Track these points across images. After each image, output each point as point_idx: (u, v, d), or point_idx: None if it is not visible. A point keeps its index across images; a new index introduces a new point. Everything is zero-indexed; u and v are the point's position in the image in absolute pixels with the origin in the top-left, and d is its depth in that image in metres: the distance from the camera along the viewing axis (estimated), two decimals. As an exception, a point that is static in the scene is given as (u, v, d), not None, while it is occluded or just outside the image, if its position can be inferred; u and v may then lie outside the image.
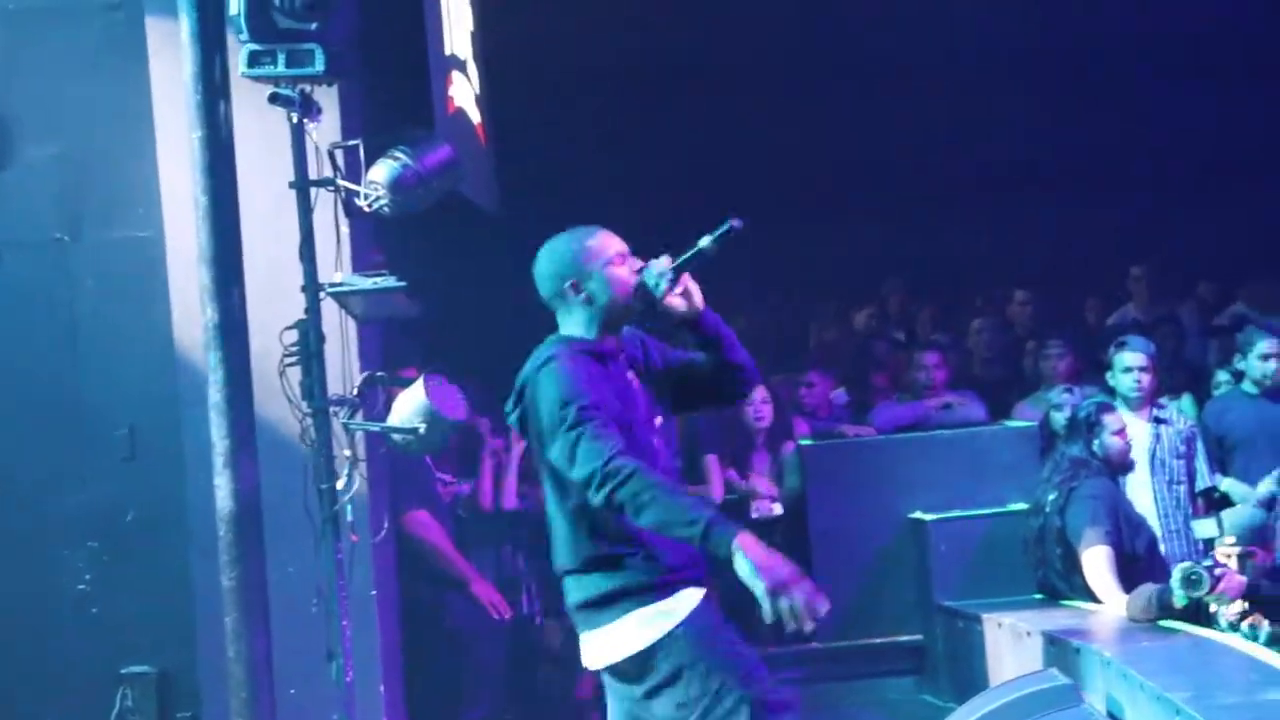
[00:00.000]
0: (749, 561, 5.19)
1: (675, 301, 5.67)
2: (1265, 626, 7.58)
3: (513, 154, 11.92)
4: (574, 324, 5.67)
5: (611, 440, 5.33)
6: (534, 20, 13.20)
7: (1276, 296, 13.06)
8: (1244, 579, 7.64)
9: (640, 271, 5.64)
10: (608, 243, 5.69)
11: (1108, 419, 8.95)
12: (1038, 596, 8.98)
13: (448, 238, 10.59)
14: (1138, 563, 8.70)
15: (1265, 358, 10.22)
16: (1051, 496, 8.84)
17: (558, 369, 5.48)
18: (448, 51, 10.38)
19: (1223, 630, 7.52)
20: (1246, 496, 9.91)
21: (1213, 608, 7.59)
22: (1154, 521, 9.36)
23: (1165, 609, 7.67)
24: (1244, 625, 7.53)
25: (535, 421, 5.51)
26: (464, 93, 10.71)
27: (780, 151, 14.42)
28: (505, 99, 11.90)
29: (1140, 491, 9.50)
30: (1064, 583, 8.79)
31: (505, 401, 5.71)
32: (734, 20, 14.43)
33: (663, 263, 5.63)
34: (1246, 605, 7.57)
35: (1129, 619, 7.88)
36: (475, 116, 11.03)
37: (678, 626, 5.50)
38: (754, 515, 10.20)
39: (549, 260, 5.71)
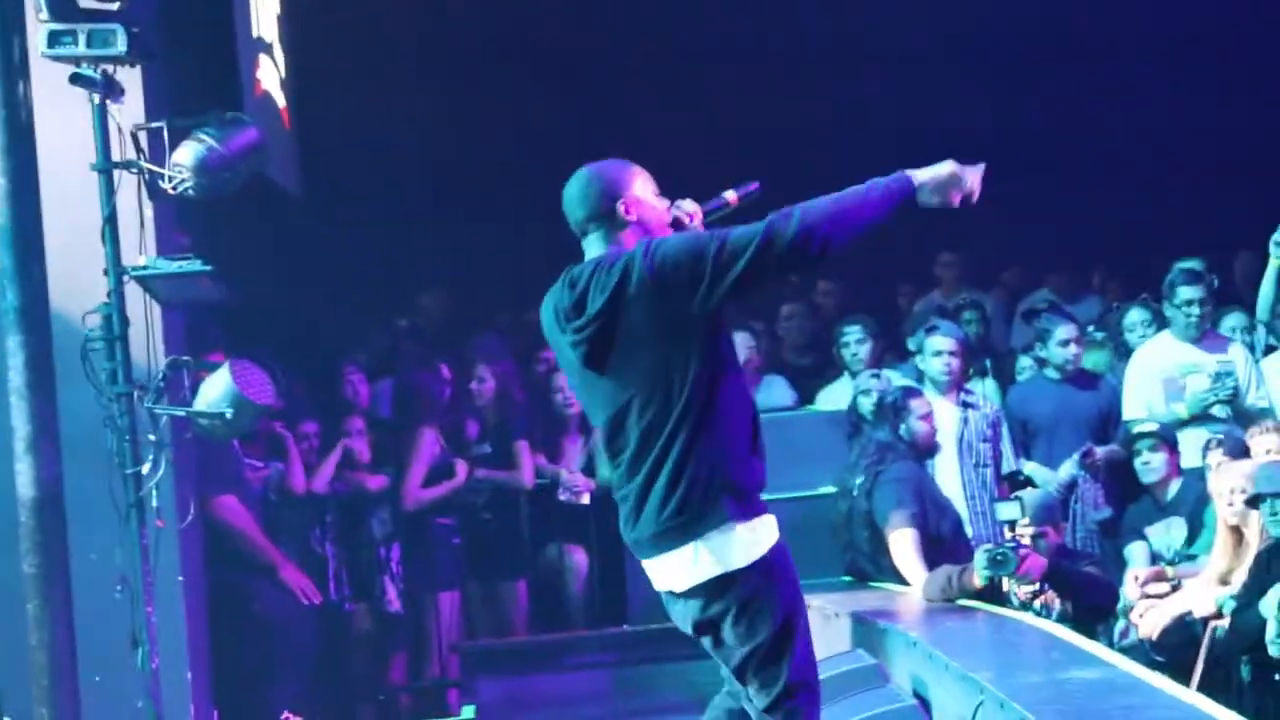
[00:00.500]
0: (931, 182, 5.37)
1: None
2: (1056, 605, 7.77)
3: (316, 138, 11.83)
4: (617, 246, 5.42)
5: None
6: (339, 3, 13.11)
7: (1080, 286, 13.27)
8: (1044, 561, 7.77)
9: (671, 209, 5.56)
10: (647, 176, 5.54)
11: (914, 403, 9.06)
12: (846, 579, 9.07)
13: (254, 221, 10.48)
14: (943, 544, 8.80)
15: (1064, 343, 10.37)
16: (859, 480, 8.93)
17: (673, 238, 5.33)
18: (255, 34, 10.28)
19: (1016, 608, 7.69)
20: (1049, 480, 10.07)
21: (1006, 586, 7.75)
22: (960, 504, 9.47)
23: (964, 590, 7.79)
24: (1036, 604, 7.74)
25: (661, 288, 5.18)
26: (270, 76, 10.62)
27: (569, 138, 14.46)
28: (309, 83, 11.81)
29: (947, 474, 9.61)
30: (871, 565, 8.88)
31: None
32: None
33: (689, 204, 5.57)
34: (1038, 584, 7.77)
35: (925, 600, 8.01)
36: (280, 100, 10.94)
37: (768, 554, 5.34)
38: (561, 497, 10.20)
39: (598, 179, 5.49)
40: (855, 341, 10.83)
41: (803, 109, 14.48)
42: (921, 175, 5.36)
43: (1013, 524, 7.81)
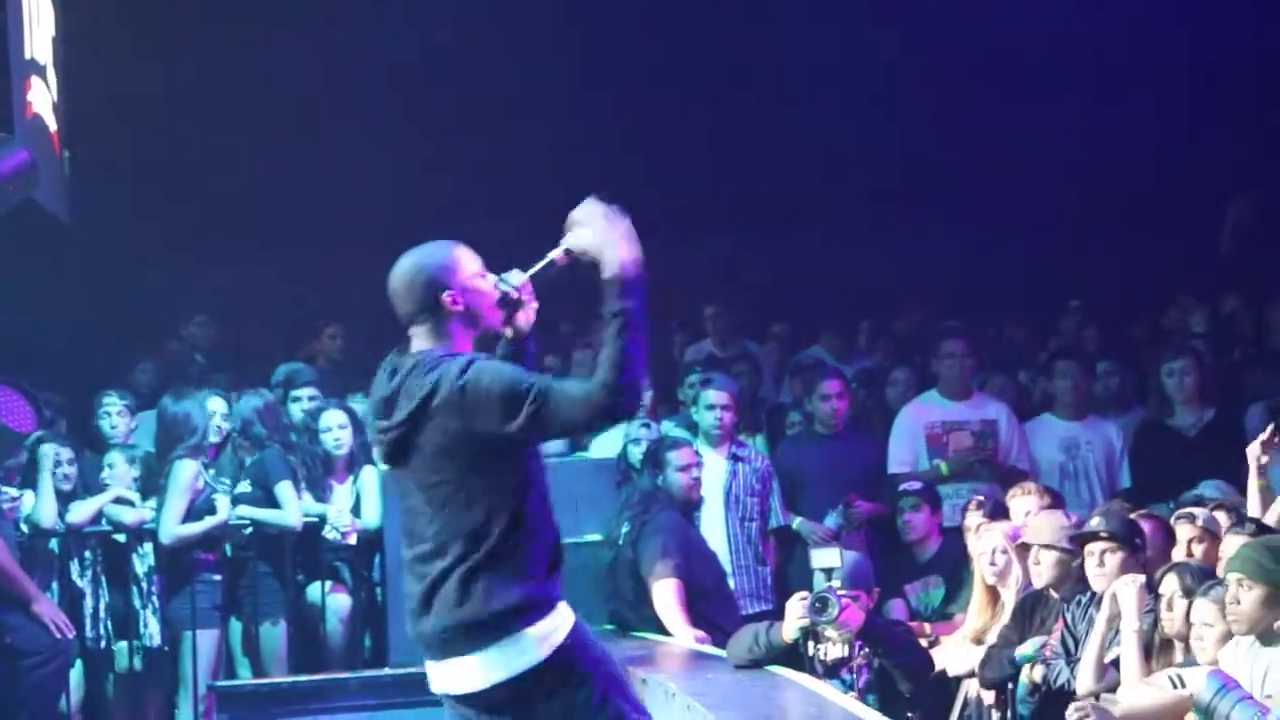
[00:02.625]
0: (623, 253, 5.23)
1: (520, 318, 5.54)
2: (864, 675, 7.66)
3: (87, 163, 11.64)
4: (443, 340, 5.34)
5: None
6: (115, 28, 12.95)
7: (850, 343, 13.42)
8: (862, 613, 7.67)
9: (498, 285, 5.45)
10: (472, 255, 5.42)
11: (672, 455, 9.08)
12: (609, 627, 9.06)
13: (20, 247, 10.27)
14: (707, 596, 8.84)
15: (826, 398, 10.45)
16: (625, 529, 8.94)
17: (494, 368, 5.22)
18: (28, 55, 10.09)
19: (819, 676, 7.54)
20: (814, 532, 10.11)
21: (810, 651, 7.62)
22: (725, 557, 9.51)
23: (772, 646, 7.62)
24: (844, 672, 7.61)
25: (467, 413, 5.12)
26: (42, 99, 10.43)
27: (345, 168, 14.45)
28: (82, 107, 11.62)
29: (713, 526, 9.65)
30: (634, 614, 8.90)
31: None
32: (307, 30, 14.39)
33: (516, 276, 5.47)
34: (848, 650, 7.64)
35: (731, 661, 7.79)
36: (52, 124, 10.75)
37: (567, 639, 5.28)
38: (326, 535, 10.09)
39: (422, 272, 5.35)
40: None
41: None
42: (620, 259, 5.21)
43: (830, 571, 7.71)
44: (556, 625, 5.26)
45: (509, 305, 5.45)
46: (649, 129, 15.11)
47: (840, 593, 7.62)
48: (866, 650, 7.69)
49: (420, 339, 5.34)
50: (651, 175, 14.32)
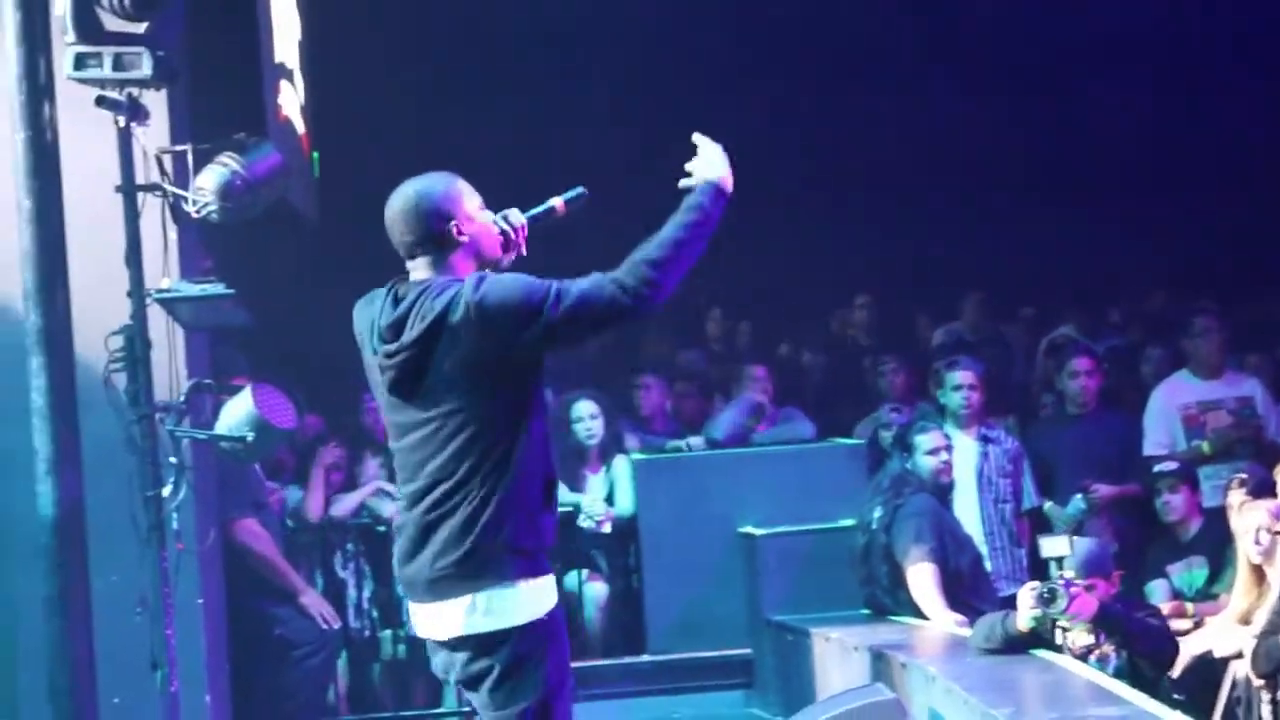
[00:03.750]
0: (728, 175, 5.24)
1: (508, 259, 5.44)
2: (1113, 659, 7.47)
3: (334, 165, 11.84)
4: (446, 271, 5.23)
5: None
6: (359, 32, 13.15)
7: (1100, 322, 13.26)
8: (1095, 602, 7.47)
9: (497, 221, 5.39)
10: (470, 189, 5.34)
11: (919, 439, 9.02)
12: (865, 612, 9.05)
13: (277, 246, 10.50)
14: (962, 579, 8.78)
15: (1076, 376, 10.35)
16: (877, 513, 8.91)
17: (506, 279, 5.12)
18: (276, 60, 10.30)
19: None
20: (1062, 518, 10.00)
21: (1059, 639, 7.45)
22: (979, 539, 9.44)
23: (1008, 635, 7.45)
24: (1092, 658, 7.39)
25: (484, 328, 5.00)
26: (291, 102, 10.63)
27: (600, 175, 14.46)
28: (328, 110, 11.83)
29: (966, 509, 9.59)
30: (890, 598, 8.86)
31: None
32: (557, 32, 14.47)
33: (515, 215, 5.42)
34: (1094, 638, 7.46)
35: (972, 648, 7.65)
36: (300, 126, 10.96)
37: (544, 618, 5.15)
38: (581, 524, 10.18)
39: (427, 199, 5.24)
40: (890, 372, 10.84)
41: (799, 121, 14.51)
42: (722, 177, 5.24)
43: (1060, 560, 7.58)
44: (545, 589, 5.15)
45: (506, 245, 5.38)
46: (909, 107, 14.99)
47: (1074, 581, 7.43)
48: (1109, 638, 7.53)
49: (421, 270, 5.25)
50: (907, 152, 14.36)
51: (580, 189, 5.53)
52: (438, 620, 5.18)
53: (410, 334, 5.10)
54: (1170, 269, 14.14)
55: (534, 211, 5.47)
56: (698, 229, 5.13)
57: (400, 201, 5.27)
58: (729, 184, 5.23)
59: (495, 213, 5.39)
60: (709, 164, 5.26)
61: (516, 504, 5.10)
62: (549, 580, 5.18)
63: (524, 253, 5.45)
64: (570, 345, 5.35)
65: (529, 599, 5.11)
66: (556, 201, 5.49)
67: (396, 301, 5.19)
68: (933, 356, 10.99)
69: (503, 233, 5.37)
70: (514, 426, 5.10)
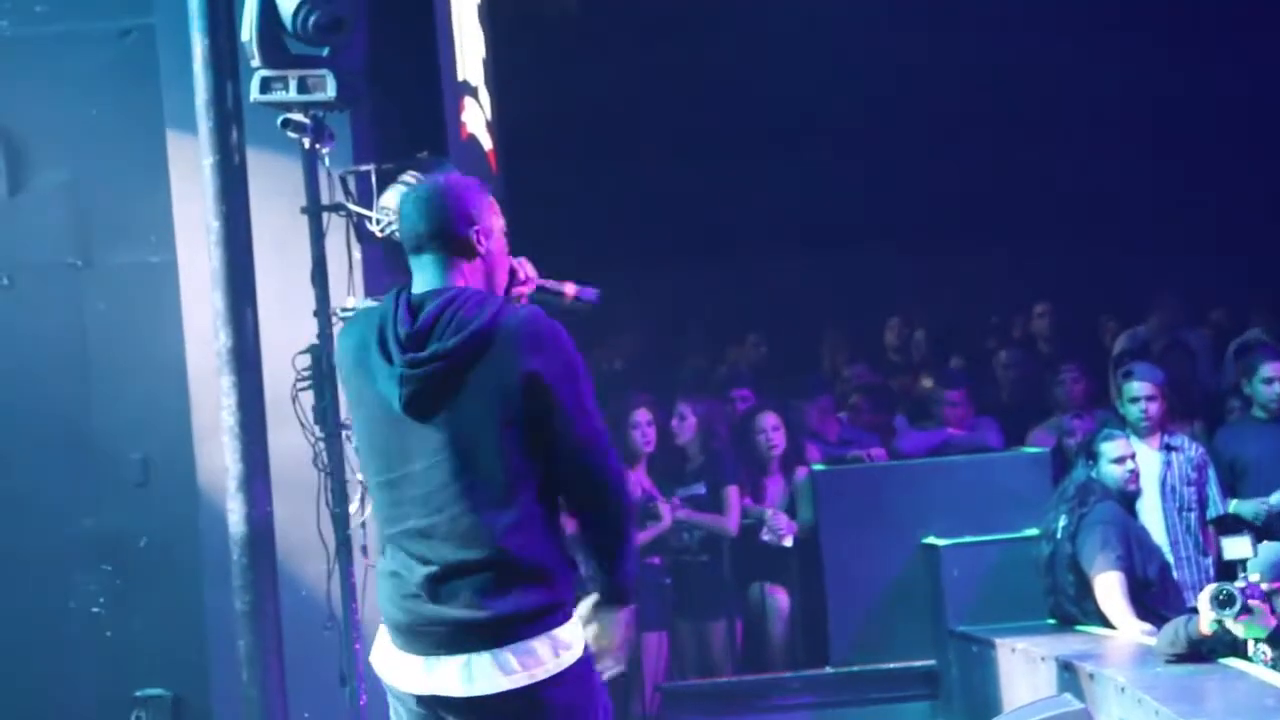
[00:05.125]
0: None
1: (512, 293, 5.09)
2: None
3: (522, 181, 11.95)
4: (454, 276, 4.83)
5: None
6: (544, 50, 13.26)
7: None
8: (1276, 613, 7.20)
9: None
10: (500, 213, 4.99)
11: (1105, 447, 8.92)
12: (1050, 622, 8.97)
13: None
14: (1150, 588, 8.69)
15: (1269, 381, 10.18)
16: (1062, 522, 8.83)
17: (562, 333, 4.74)
18: (460, 77, 10.39)
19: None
20: (1257, 511, 9.85)
21: (1250, 647, 7.29)
22: (1165, 548, 9.33)
23: (1191, 639, 7.34)
24: None
25: (552, 383, 4.62)
26: (476, 119, 10.73)
27: (776, 190, 14.50)
28: (517, 127, 11.94)
29: (1151, 518, 9.48)
30: (1076, 608, 8.78)
31: None
32: (739, 76, 14.52)
33: (529, 267, 5.14)
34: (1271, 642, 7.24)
35: (1157, 654, 7.54)
36: (487, 143, 11.05)
37: (578, 663, 4.74)
38: (764, 538, 10.19)
39: (457, 198, 4.87)
40: (1070, 380, 10.73)
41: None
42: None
43: (1244, 563, 7.43)
44: (576, 632, 4.74)
45: (514, 281, 5.05)
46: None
47: (1259, 585, 7.20)
48: None
49: (426, 269, 4.82)
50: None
51: (595, 291, 5.32)
52: (450, 677, 4.69)
53: (443, 344, 4.64)
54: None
55: (546, 282, 5.24)
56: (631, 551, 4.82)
57: (425, 188, 4.94)
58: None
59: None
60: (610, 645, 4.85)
61: (554, 551, 4.70)
62: (577, 623, 4.77)
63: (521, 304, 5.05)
64: (558, 464, 4.70)
65: (563, 644, 4.68)
66: (570, 286, 5.29)
67: (413, 311, 4.73)
68: (1114, 364, 10.86)
69: (512, 269, 5.06)
70: (541, 458, 4.68)
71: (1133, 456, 9.03)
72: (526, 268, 5.12)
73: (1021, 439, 10.92)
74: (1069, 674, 7.69)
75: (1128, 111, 14.99)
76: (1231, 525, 9.83)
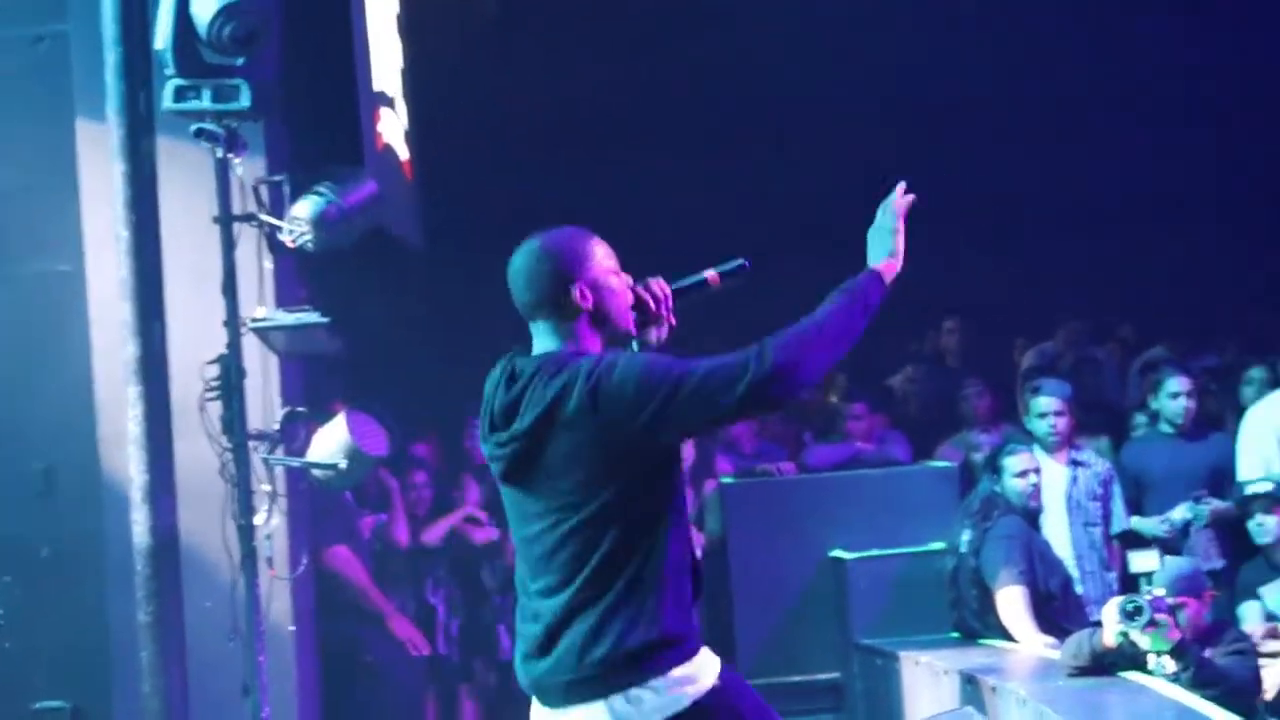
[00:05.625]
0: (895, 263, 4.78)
1: (657, 332, 4.93)
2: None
3: (439, 190, 11.94)
4: (567, 340, 4.74)
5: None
6: (462, 58, 13.24)
7: (1198, 342, 13.18)
8: (1178, 630, 7.31)
9: (634, 289, 4.86)
10: (606, 250, 4.81)
11: (1008, 461, 8.97)
12: (954, 635, 9.02)
13: (373, 274, 10.59)
14: (1052, 602, 8.75)
15: (1175, 396, 10.28)
16: (966, 536, 8.89)
17: (623, 354, 4.64)
18: (376, 88, 10.40)
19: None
20: (1156, 530, 9.95)
21: (1151, 661, 7.36)
22: (1069, 563, 9.39)
23: (1095, 652, 7.36)
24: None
25: (600, 413, 4.54)
26: (392, 129, 10.74)
27: (712, 196, 14.52)
28: (434, 135, 11.92)
29: (1056, 533, 9.53)
30: (980, 622, 8.84)
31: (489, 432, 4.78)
32: (664, 70, 14.52)
33: (657, 285, 4.90)
34: (1182, 663, 7.30)
35: (1062, 670, 7.54)
36: (403, 153, 11.05)
37: (705, 696, 4.65)
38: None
39: (550, 259, 4.74)
40: (975, 395, 10.78)
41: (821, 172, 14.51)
42: (885, 263, 4.79)
43: (1149, 576, 7.47)
44: (700, 667, 4.64)
45: (643, 312, 4.85)
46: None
47: (1163, 599, 7.32)
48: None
49: (541, 336, 4.76)
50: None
51: (741, 261, 4.99)
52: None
53: (521, 423, 4.65)
54: (1267, 284, 14.03)
55: (682, 283, 4.95)
56: (843, 315, 4.62)
57: (522, 257, 4.79)
58: (892, 269, 4.78)
59: (638, 279, 4.88)
60: (877, 242, 4.83)
61: (660, 596, 4.60)
62: (698, 660, 4.65)
63: (673, 324, 4.94)
64: (694, 430, 4.76)
65: (676, 683, 4.60)
66: (710, 273, 4.96)
67: (511, 381, 4.73)
68: (1022, 379, 10.94)
69: (639, 302, 4.85)
70: (648, 522, 4.62)
71: (1036, 470, 9.08)
72: (655, 287, 4.91)
73: (929, 453, 10.98)
74: (972, 687, 7.73)
75: (1040, 118, 15.09)
76: (1139, 539, 9.96)
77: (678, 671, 4.58)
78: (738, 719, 4.64)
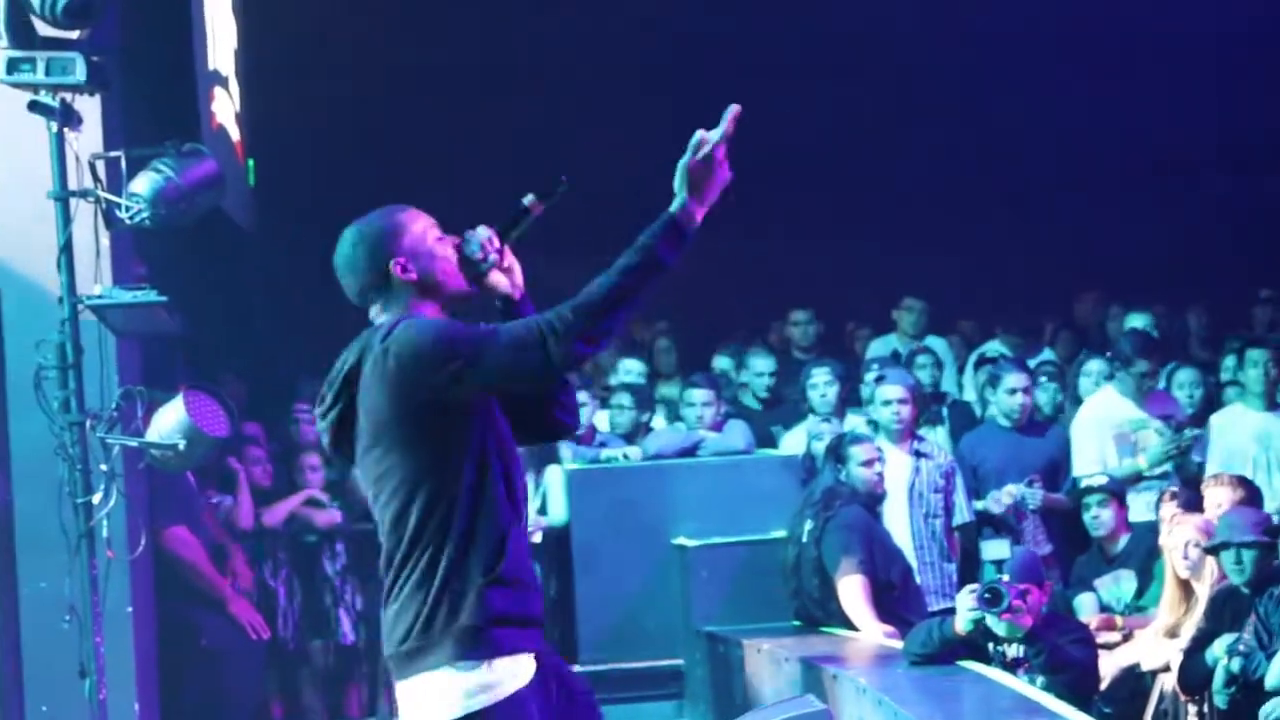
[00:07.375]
0: (700, 202, 4.55)
1: (498, 278, 4.82)
2: (1040, 679, 7.38)
3: (269, 172, 11.82)
4: (405, 316, 4.68)
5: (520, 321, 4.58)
6: (294, 39, 13.11)
7: (1033, 337, 13.31)
8: (1029, 615, 7.44)
9: (460, 246, 4.76)
10: (422, 218, 4.77)
11: (853, 450, 9.02)
12: (795, 623, 9.07)
13: (211, 253, 10.47)
14: (892, 591, 8.81)
15: (1013, 391, 10.38)
16: (808, 525, 8.92)
17: (420, 323, 4.61)
18: (211, 66, 10.29)
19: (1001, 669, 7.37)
20: (987, 506, 10.04)
21: (990, 650, 7.48)
22: (909, 553, 9.45)
23: (945, 640, 7.46)
24: (1020, 672, 7.38)
25: (394, 377, 4.52)
26: (225, 109, 10.62)
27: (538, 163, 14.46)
28: (264, 117, 11.80)
29: (897, 523, 9.59)
30: (821, 610, 8.88)
31: (317, 404, 4.77)
32: (502, 34, 14.45)
33: (483, 231, 4.78)
34: (1024, 651, 7.46)
35: (906, 658, 7.62)
36: (235, 133, 10.94)
37: (496, 704, 4.55)
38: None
39: (363, 242, 4.73)
40: (824, 384, 10.79)
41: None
42: (688, 209, 4.55)
43: (1000, 563, 7.53)
44: (516, 671, 4.58)
45: (472, 266, 4.78)
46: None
47: (1014, 585, 7.43)
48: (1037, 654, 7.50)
49: (378, 319, 4.74)
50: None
51: (561, 179, 4.78)
52: (409, 703, 4.62)
53: (330, 390, 4.69)
54: (1104, 272, 14.18)
55: (508, 225, 4.82)
56: (632, 278, 4.52)
57: (342, 246, 4.80)
58: (699, 206, 4.56)
59: (463, 233, 4.80)
60: (685, 175, 4.56)
61: (466, 569, 4.54)
62: (506, 663, 4.56)
63: (509, 267, 4.85)
64: (493, 391, 4.62)
65: (467, 685, 4.53)
66: (529, 199, 4.79)
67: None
68: (864, 370, 10.99)
69: (466, 259, 4.77)
70: (454, 480, 4.55)
71: (880, 460, 9.14)
72: (480, 235, 4.79)
73: (772, 442, 10.99)
74: (812, 675, 7.77)
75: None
76: (992, 528, 10.05)
77: (478, 666, 4.51)
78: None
